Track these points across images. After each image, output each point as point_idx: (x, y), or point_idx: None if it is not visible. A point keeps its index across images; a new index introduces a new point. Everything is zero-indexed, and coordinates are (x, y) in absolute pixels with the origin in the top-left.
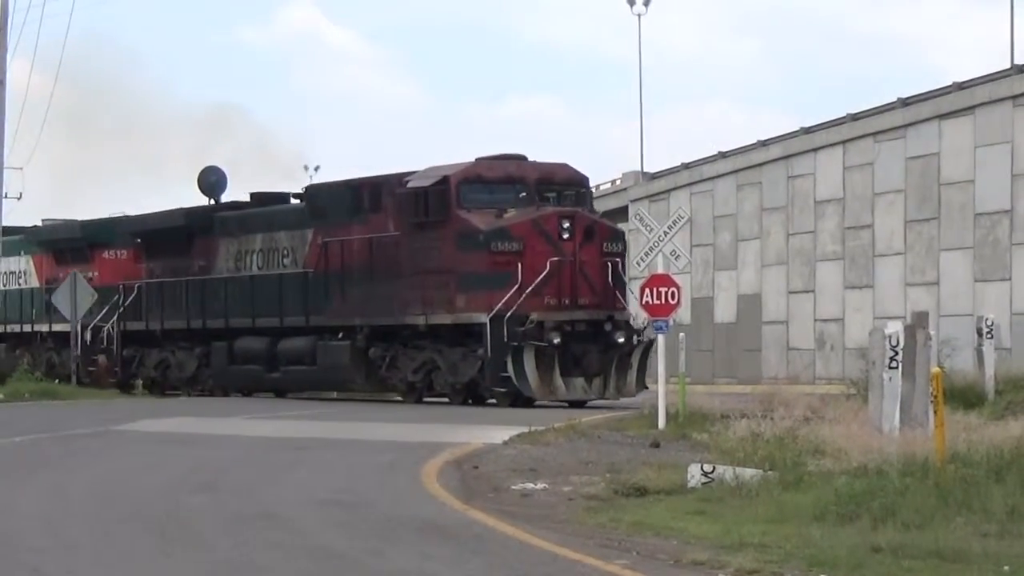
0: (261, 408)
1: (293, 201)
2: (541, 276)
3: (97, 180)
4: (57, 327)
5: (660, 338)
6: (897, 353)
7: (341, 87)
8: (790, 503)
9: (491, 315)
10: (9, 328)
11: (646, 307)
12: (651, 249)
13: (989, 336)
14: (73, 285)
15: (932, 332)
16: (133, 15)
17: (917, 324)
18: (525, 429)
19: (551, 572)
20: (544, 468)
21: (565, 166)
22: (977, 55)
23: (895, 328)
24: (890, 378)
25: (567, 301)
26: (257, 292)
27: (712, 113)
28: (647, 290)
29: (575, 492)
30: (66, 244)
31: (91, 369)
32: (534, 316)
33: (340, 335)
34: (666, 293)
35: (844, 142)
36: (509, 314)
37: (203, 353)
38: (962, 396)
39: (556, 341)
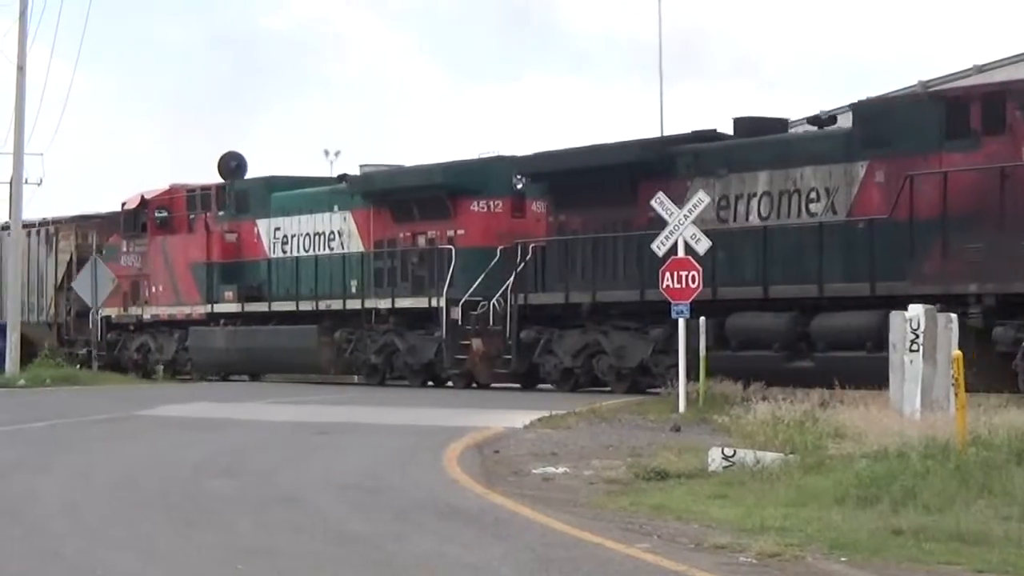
0: (282, 393)
1: (795, 130)
2: None
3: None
4: (403, 302)
5: (681, 322)
6: (918, 336)
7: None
8: (811, 486)
9: None
10: (323, 304)
11: (667, 291)
12: (671, 233)
13: None
14: (93, 271)
15: (952, 315)
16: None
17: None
18: (546, 413)
19: (572, 556)
20: (565, 452)
21: None
22: (998, 37)
23: (916, 311)
24: (911, 361)
25: None
26: (769, 250)
27: (732, 91)
28: (667, 274)
29: (596, 476)
30: (413, 194)
31: (460, 357)
32: None
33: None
34: (687, 277)
35: None
36: None
37: (665, 335)
38: None
39: None
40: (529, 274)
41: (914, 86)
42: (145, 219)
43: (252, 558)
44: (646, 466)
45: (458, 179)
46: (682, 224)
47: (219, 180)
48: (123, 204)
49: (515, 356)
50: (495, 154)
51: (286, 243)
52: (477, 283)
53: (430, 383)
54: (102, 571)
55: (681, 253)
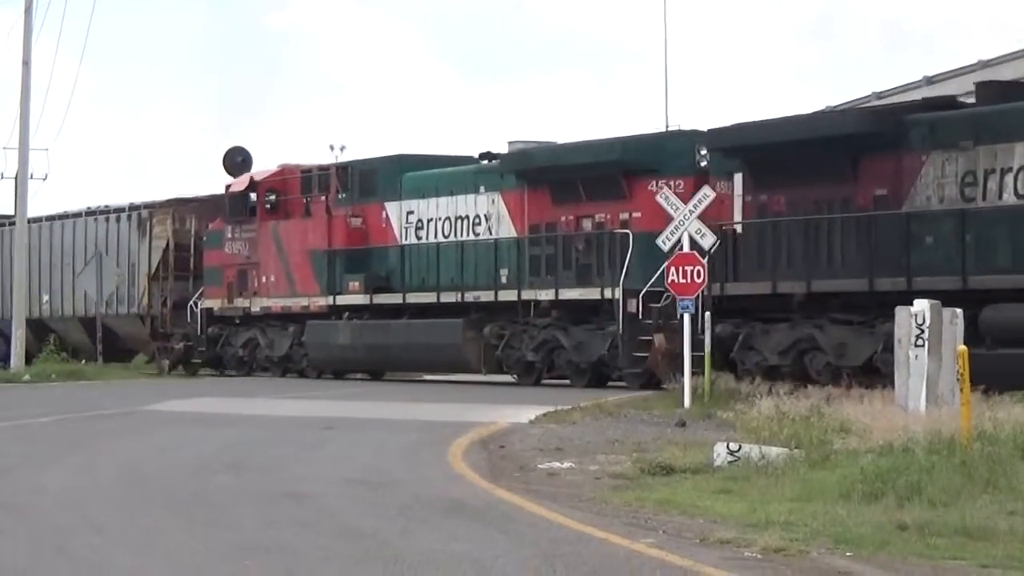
0: (288, 388)
1: None
2: None
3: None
4: (569, 293)
5: (686, 317)
6: (923, 331)
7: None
8: (816, 481)
9: None
10: (471, 296)
11: (672, 286)
12: (676, 228)
13: None
14: (98, 266)
15: (958, 310)
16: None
17: None
18: (551, 408)
19: (577, 551)
20: (570, 447)
21: None
22: (1005, 32)
23: (921, 306)
24: (916, 356)
25: None
26: None
27: (738, 87)
28: (673, 269)
29: (601, 471)
30: (579, 173)
31: (638, 355)
32: None
33: None
34: (691, 272)
35: None
36: None
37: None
38: None
39: None
40: (722, 261)
41: (918, 81)
42: (254, 202)
43: (258, 553)
44: (651, 461)
45: (635, 155)
46: (687, 219)
47: (334, 160)
48: (228, 186)
49: (713, 352)
50: (675, 128)
51: (421, 228)
52: (659, 272)
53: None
54: (107, 567)
55: (687, 248)
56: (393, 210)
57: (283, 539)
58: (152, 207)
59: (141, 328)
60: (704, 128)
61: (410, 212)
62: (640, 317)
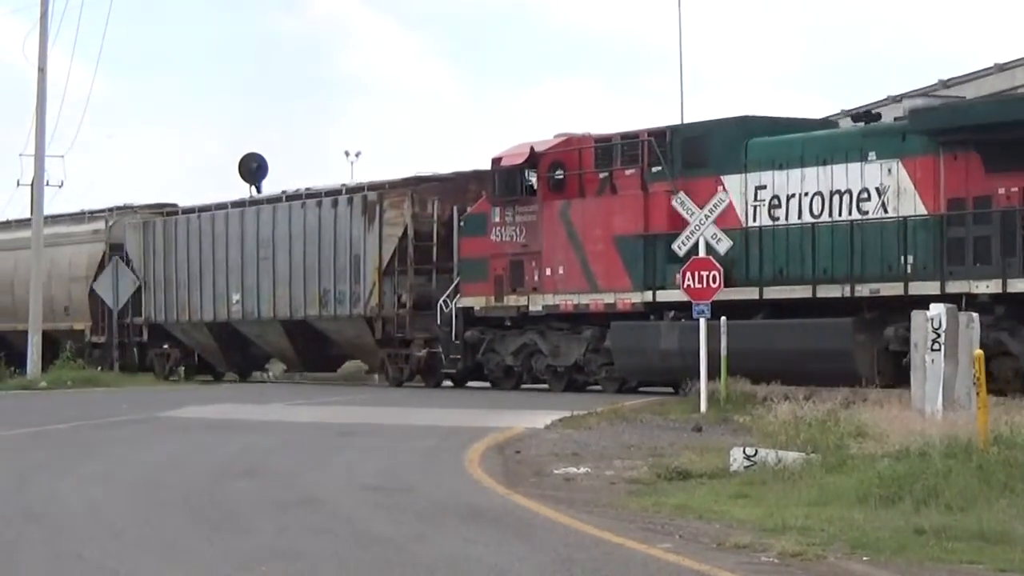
0: (304, 394)
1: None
2: None
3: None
4: (1022, 285)
5: (702, 321)
6: (939, 335)
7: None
8: (833, 486)
9: None
10: (863, 289)
11: (688, 291)
12: (692, 233)
13: None
14: (115, 271)
15: (974, 314)
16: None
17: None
18: (567, 414)
19: (594, 556)
20: (586, 452)
21: None
22: (1018, 35)
23: (938, 310)
24: (932, 360)
25: None
26: None
27: (751, 95)
28: (688, 274)
29: (618, 476)
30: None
31: None
32: None
33: None
34: (707, 277)
35: None
36: None
37: None
38: None
39: None
40: None
41: (934, 85)
42: (534, 179)
43: (275, 560)
44: (668, 466)
45: None
46: (703, 223)
47: (633, 128)
48: (496, 160)
49: None
50: None
51: (777, 206)
52: None
53: None
54: (124, 573)
55: (702, 253)
56: (734, 184)
57: (300, 545)
58: (380, 188)
59: (365, 332)
60: None
61: (760, 187)
62: None
